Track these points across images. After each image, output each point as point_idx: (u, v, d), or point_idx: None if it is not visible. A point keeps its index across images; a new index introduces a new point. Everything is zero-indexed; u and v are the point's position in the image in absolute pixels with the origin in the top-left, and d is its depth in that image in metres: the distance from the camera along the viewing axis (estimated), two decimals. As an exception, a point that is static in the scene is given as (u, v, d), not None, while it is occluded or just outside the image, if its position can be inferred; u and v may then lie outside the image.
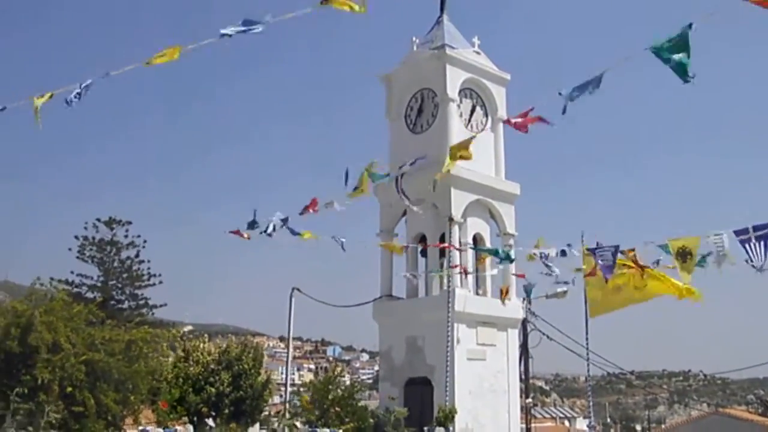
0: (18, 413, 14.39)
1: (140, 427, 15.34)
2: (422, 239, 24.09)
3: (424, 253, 24.50)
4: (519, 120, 12.62)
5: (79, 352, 16.24)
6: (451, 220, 22.67)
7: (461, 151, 16.15)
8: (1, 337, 15.72)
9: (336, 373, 22.34)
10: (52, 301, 17.15)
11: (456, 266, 22.14)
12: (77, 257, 44.19)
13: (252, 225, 18.11)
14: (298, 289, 25.54)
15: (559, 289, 25.44)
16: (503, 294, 24.01)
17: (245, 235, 18.07)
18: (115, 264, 43.60)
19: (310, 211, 18.50)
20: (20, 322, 15.80)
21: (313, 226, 18.88)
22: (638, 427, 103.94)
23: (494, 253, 21.76)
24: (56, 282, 16.81)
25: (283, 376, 52.14)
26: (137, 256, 44.76)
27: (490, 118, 25.38)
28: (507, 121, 13.48)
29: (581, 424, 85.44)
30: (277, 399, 40.67)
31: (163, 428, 14.58)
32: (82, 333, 16.94)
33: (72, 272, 42.72)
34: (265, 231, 18.26)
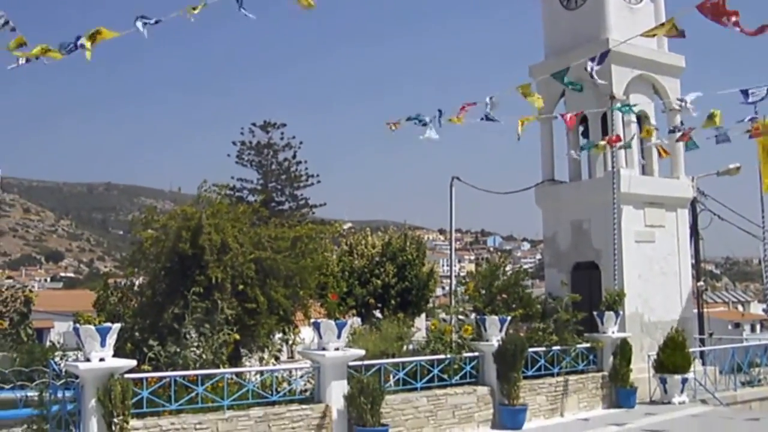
0: (196, 312, 14.84)
1: (312, 320, 15.56)
2: (583, 119, 23.25)
3: (585, 135, 23.65)
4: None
5: (247, 251, 16.59)
6: (612, 97, 21.67)
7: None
8: (173, 240, 16.18)
9: (501, 260, 22.12)
10: (217, 204, 17.49)
11: (613, 139, 21.05)
12: (236, 162, 45.53)
13: (418, 120, 17.69)
14: (458, 178, 25.16)
15: (731, 165, 24.26)
16: (662, 153, 22.78)
17: (397, 126, 17.74)
18: (273, 166, 44.67)
19: (466, 110, 18.14)
20: (190, 225, 16.20)
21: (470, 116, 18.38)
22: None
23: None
24: (218, 187, 17.21)
25: (444, 268, 52.60)
26: (294, 157, 45.76)
27: (649, -14, 23.86)
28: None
29: (756, 308, 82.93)
30: (438, 291, 41.13)
31: (334, 320, 14.72)
32: (248, 233, 17.28)
33: (232, 177, 44.09)
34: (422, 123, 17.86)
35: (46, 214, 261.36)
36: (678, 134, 20.86)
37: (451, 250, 25.97)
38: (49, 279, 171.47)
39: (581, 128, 23.87)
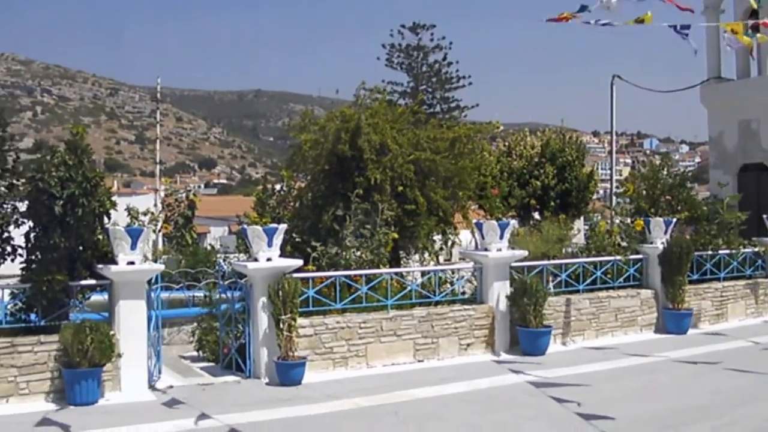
0: (356, 213, 14.91)
1: (474, 221, 15.43)
2: (753, 14, 21.91)
3: (756, 30, 22.26)
4: None
5: (406, 152, 16.48)
6: (787, -13, 20.30)
7: None
8: (332, 142, 16.22)
9: (664, 162, 21.30)
10: (375, 105, 17.38)
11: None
12: (386, 65, 45.43)
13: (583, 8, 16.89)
14: (619, 77, 24.20)
15: None
16: None
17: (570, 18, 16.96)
18: (424, 69, 44.37)
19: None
20: (349, 127, 16.19)
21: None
22: None
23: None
24: (372, 91, 17.10)
25: (600, 171, 51.43)
26: (444, 59, 45.27)
27: None
28: None
29: None
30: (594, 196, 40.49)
31: (496, 220, 14.56)
32: (406, 134, 17.16)
33: (383, 81, 44.01)
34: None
35: (198, 123, 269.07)
36: None
37: (612, 149, 25.14)
38: (203, 186, 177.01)
39: (750, 22, 22.50)
